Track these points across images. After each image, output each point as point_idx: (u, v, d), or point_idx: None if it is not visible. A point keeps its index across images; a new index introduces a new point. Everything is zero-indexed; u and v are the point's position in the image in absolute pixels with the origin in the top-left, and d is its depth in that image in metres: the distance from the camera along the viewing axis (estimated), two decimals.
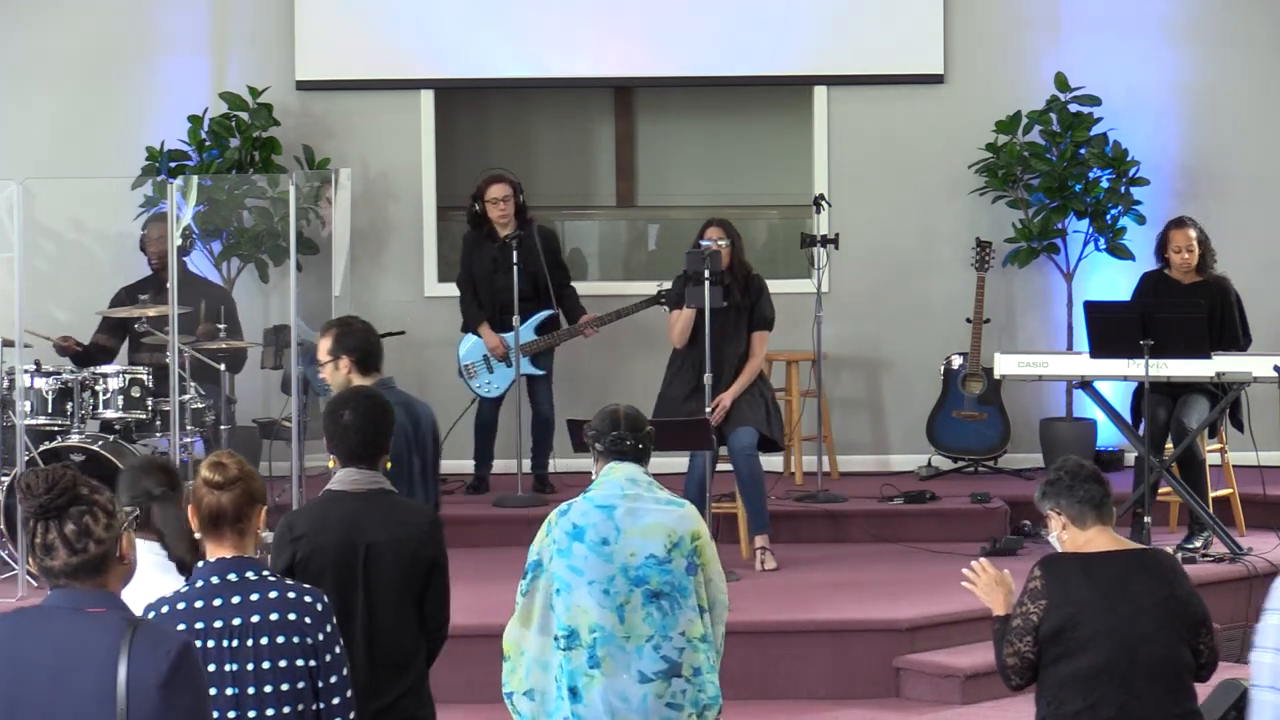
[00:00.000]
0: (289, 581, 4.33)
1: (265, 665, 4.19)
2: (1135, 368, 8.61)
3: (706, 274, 8.53)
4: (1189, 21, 10.94)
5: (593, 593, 5.27)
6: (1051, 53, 10.87)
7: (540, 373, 9.92)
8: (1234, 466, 9.53)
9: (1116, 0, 10.92)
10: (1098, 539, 5.21)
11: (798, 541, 9.36)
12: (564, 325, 9.99)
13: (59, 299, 10.36)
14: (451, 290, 10.34)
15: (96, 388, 8.91)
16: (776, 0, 10.86)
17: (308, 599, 4.27)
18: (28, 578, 8.04)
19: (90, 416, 8.91)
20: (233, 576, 4.26)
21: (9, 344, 8.53)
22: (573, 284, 10.16)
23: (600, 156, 11.57)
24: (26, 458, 8.28)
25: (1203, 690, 5.43)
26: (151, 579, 4.42)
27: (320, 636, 4.25)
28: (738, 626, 7.63)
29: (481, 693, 7.35)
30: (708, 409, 8.49)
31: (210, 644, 4.21)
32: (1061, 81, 10.62)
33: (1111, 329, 8.65)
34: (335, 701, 4.27)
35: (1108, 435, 10.51)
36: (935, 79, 10.94)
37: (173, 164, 10.51)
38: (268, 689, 4.19)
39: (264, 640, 4.20)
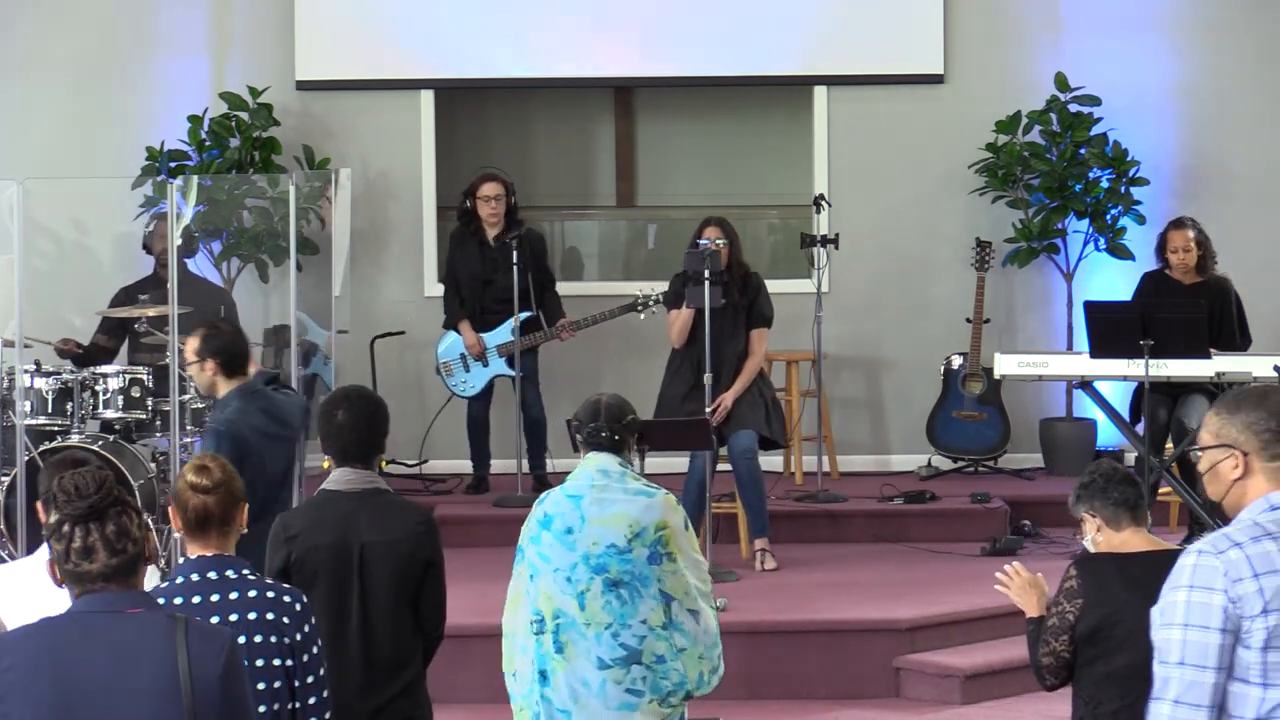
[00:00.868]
0: (269, 581, 4.33)
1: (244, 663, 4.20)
2: (1135, 368, 8.61)
3: (706, 274, 8.53)
4: (1189, 21, 10.94)
5: (557, 580, 5.38)
6: (1051, 53, 10.87)
7: (520, 373, 9.86)
8: None
9: (1116, 0, 10.92)
10: (1133, 540, 5.21)
11: (798, 541, 9.35)
12: (543, 328, 9.96)
13: (59, 299, 10.36)
14: None
15: (96, 388, 8.91)
16: (776, 0, 10.86)
17: (286, 598, 4.28)
18: None
19: (90, 416, 8.91)
20: (213, 574, 4.27)
21: (9, 344, 8.53)
22: (563, 286, 10.16)
23: (600, 156, 11.57)
24: (26, 458, 8.27)
25: None
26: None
27: (298, 636, 4.26)
28: (738, 626, 7.65)
29: (481, 693, 7.35)
30: (707, 409, 8.48)
31: None
32: (1061, 81, 10.62)
33: (1111, 329, 8.64)
34: (312, 701, 4.28)
35: (1108, 435, 10.51)
36: (935, 79, 10.95)
37: (173, 164, 10.51)
38: None
39: (242, 639, 4.20)
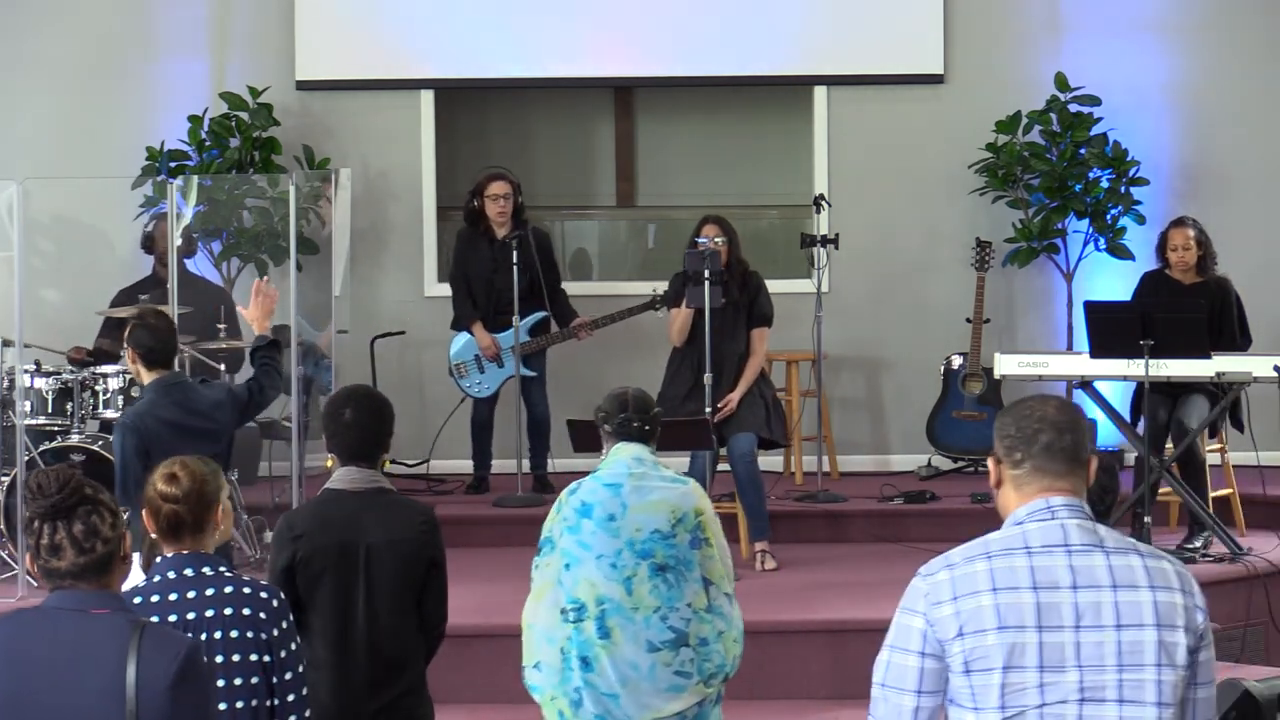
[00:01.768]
0: (245, 577, 4.34)
1: (219, 659, 4.20)
2: (1135, 368, 8.60)
3: (706, 274, 8.54)
4: (1189, 21, 10.94)
5: (600, 566, 5.52)
6: (1051, 53, 10.88)
7: (533, 374, 9.90)
8: (1234, 466, 9.53)
9: (1116, 0, 10.92)
10: None
11: (798, 541, 9.35)
12: (555, 327, 9.96)
13: (59, 299, 10.36)
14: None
15: (96, 388, 8.91)
16: (776, 0, 10.87)
17: (263, 595, 4.29)
18: (27, 578, 8.04)
19: (90, 416, 8.91)
20: (189, 571, 4.28)
21: (9, 344, 8.53)
22: (564, 286, 10.16)
23: (600, 156, 11.57)
24: (26, 458, 8.27)
25: None
26: None
27: (275, 632, 4.26)
28: None
29: (482, 693, 7.36)
30: (707, 408, 8.48)
31: None
32: (1061, 81, 10.62)
33: (1111, 329, 8.64)
34: (290, 698, 4.28)
35: (1108, 435, 10.51)
36: (935, 79, 10.95)
37: (173, 164, 10.51)
38: (221, 683, 4.19)
39: (218, 634, 4.21)
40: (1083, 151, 10.55)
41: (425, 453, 10.46)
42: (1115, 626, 3.43)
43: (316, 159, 10.63)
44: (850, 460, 10.74)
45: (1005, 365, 9.04)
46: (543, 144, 11.57)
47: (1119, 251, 10.55)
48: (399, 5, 10.86)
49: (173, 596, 4.24)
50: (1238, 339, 9.18)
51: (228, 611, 4.23)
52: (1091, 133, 10.57)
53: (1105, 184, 10.56)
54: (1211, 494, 9.12)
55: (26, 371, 8.59)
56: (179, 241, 9.00)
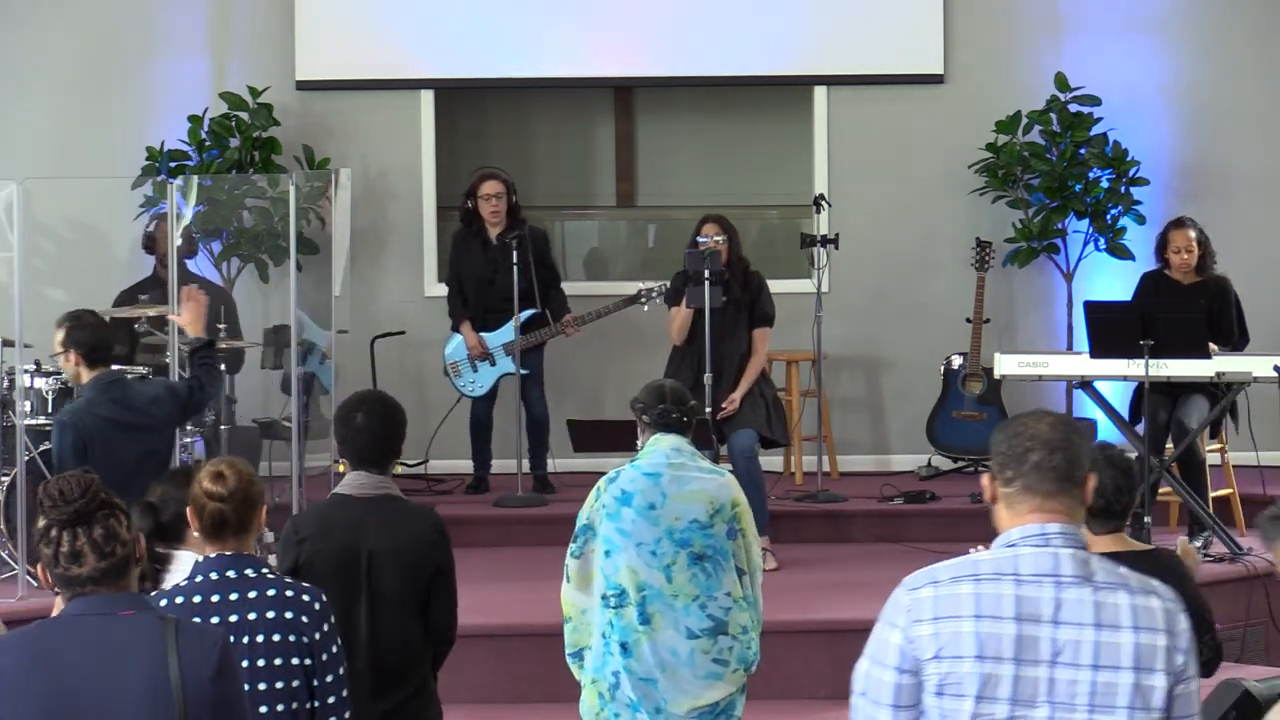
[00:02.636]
0: (287, 580, 4.34)
1: (261, 663, 4.20)
2: (1135, 368, 8.60)
3: (706, 274, 8.54)
4: (1189, 22, 10.94)
5: (641, 554, 5.60)
6: (1051, 53, 10.87)
7: (525, 372, 9.87)
8: (1234, 466, 9.53)
9: (1116, 0, 10.92)
10: (1099, 543, 5.18)
11: (798, 541, 9.35)
12: (549, 324, 9.96)
13: (59, 299, 10.35)
14: None
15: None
16: (776, 0, 10.87)
17: (305, 597, 4.28)
18: (27, 578, 8.03)
19: None
20: (231, 573, 4.27)
21: (9, 344, 8.52)
22: (564, 285, 10.16)
23: (600, 156, 11.57)
24: (26, 457, 8.27)
25: (1203, 689, 5.41)
26: None
27: (317, 635, 4.26)
28: None
29: (483, 693, 7.36)
30: (708, 408, 8.48)
31: None
32: (1061, 81, 10.62)
33: (1111, 329, 8.64)
34: (331, 700, 4.27)
35: (1107, 435, 10.50)
36: (935, 79, 10.95)
37: (173, 164, 10.51)
38: (262, 686, 4.19)
39: (260, 638, 4.20)
40: (1083, 151, 10.55)
41: (424, 453, 10.46)
42: (1092, 666, 3.36)
43: (316, 159, 10.63)
44: (850, 460, 10.74)
45: (1005, 365, 9.04)
46: (543, 144, 11.57)
47: (1119, 251, 10.55)
48: (399, 5, 10.85)
49: (215, 598, 4.24)
50: (1235, 339, 9.18)
51: (270, 614, 4.23)
52: (1091, 133, 10.57)
53: (1105, 184, 10.56)
54: (1211, 494, 9.12)
55: (26, 371, 8.58)
56: (179, 241, 8.99)
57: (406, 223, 11.02)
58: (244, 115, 10.59)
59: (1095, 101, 10.60)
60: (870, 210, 10.90)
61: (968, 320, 10.53)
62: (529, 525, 9.48)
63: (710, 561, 5.64)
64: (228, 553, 4.31)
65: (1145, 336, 8.50)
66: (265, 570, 4.31)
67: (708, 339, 8.54)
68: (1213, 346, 8.74)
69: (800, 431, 10.42)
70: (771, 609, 7.99)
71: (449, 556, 5.24)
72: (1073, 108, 10.61)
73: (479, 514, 9.65)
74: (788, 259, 10.93)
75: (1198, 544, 8.87)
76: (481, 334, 9.94)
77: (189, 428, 8.98)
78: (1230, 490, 9.45)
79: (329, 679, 4.27)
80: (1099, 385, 9.05)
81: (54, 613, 3.75)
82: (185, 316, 7.38)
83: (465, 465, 10.26)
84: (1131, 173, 10.58)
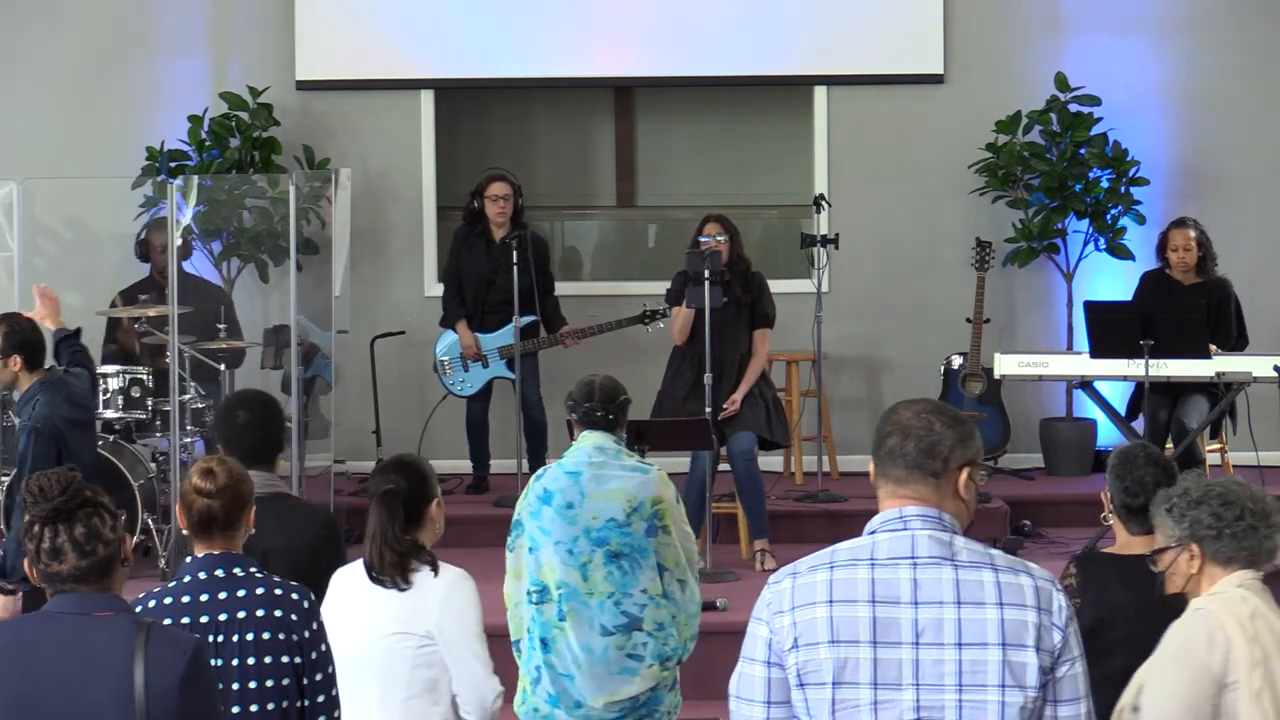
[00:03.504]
0: (276, 579, 4.33)
1: (250, 661, 4.19)
2: (1135, 368, 8.61)
3: (707, 274, 8.54)
4: (1189, 22, 10.94)
5: (558, 552, 5.65)
6: (1051, 53, 10.87)
7: (517, 376, 9.84)
8: (1234, 466, 9.53)
9: (1116, 0, 10.92)
10: (1136, 543, 5.16)
11: (798, 541, 9.33)
12: (543, 332, 9.94)
13: (59, 299, 10.35)
14: None
15: (96, 388, 8.90)
16: (776, 0, 10.87)
17: (294, 596, 4.28)
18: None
19: None
20: (220, 572, 4.27)
21: None
22: (563, 286, 10.15)
23: (600, 156, 11.57)
24: None
25: None
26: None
27: (306, 634, 4.26)
28: (738, 626, 7.60)
29: None
30: (708, 408, 8.48)
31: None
32: (1061, 81, 10.62)
33: (1111, 329, 8.65)
34: (320, 699, 4.28)
35: (1108, 435, 10.51)
36: (935, 79, 10.95)
37: (173, 164, 10.51)
38: (252, 685, 4.19)
39: (250, 636, 4.20)
40: (1083, 151, 10.55)
41: (425, 453, 10.45)
42: (956, 644, 3.28)
43: (316, 159, 10.63)
44: (850, 460, 10.72)
45: (1005, 365, 9.04)
46: (543, 144, 11.57)
47: (1119, 251, 10.55)
48: (399, 5, 10.85)
49: (203, 597, 4.23)
50: (1234, 339, 9.19)
51: (259, 613, 4.22)
52: (1091, 133, 10.57)
53: (1105, 184, 10.56)
54: None
55: None
56: (178, 242, 8.99)
57: (406, 223, 11.02)
58: (244, 115, 10.59)
59: (1095, 101, 10.60)
60: (870, 210, 10.90)
61: (968, 320, 10.53)
62: None
63: (627, 559, 5.65)
64: (215, 552, 4.31)
65: (1145, 336, 8.51)
66: (254, 569, 4.30)
67: (708, 339, 8.54)
68: (1212, 347, 8.74)
69: (800, 431, 10.42)
70: None
71: (341, 553, 5.23)
72: (1073, 108, 10.61)
73: (479, 514, 9.63)
74: (788, 259, 10.94)
75: None
76: (477, 334, 9.93)
77: (189, 427, 8.99)
78: None
79: (318, 677, 4.27)
80: (1099, 385, 9.05)
81: None
82: (40, 312, 7.44)
83: (465, 465, 10.26)
84: (1131, 173, 10.58)
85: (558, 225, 11.60)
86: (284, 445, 5.33)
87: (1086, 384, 8.99)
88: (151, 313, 9.25)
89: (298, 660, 4.25)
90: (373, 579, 4.86)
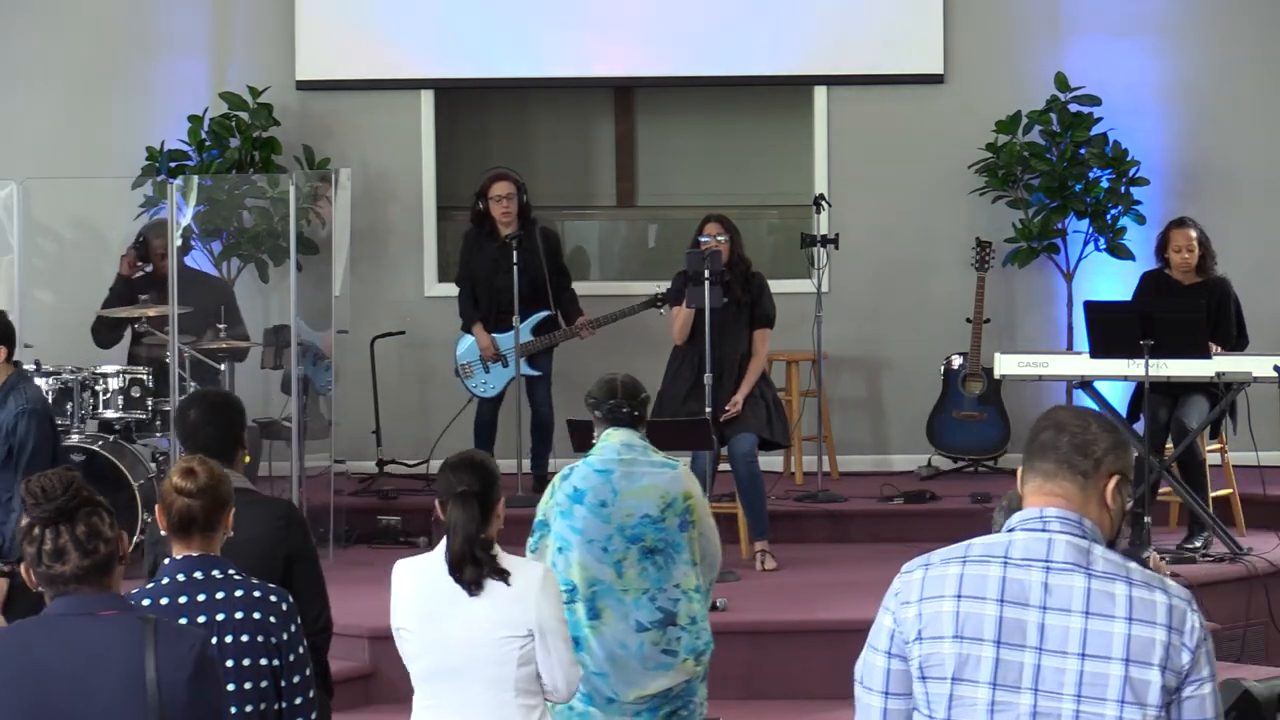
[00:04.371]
0: (255, 581, 4.33)
1: (230, 663, 4.20)
2: (1135, 368, 8.61)
3: (707, 274, 8.54)
4: (1189, 21, 10.93)
5: (592, 550, 5.69)
6: (1051, 53, 10.87)
7: (537, 374, 9.89)
8: (1234, 466, 9.52)
9: (1116, 0, 10.92)
10: None
11: (798, 541, 9.36)
12: (561, 327, 9.95)
13: (59, 299, 10.36)
14: (451, 290, 10.32)
15: (96, 388, 8.91)
16: (776, 0, 10.86)
17: (273, 598, 4.28)
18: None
19: (90, 416, 8.91)
20: (199, 574, 4.27)
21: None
22: (573, 286, 10.13)
23: (600, 156, 11.57)
24: None
25: None
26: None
27: (285, 635, 4.26)
28: (738, 626, 7.65)
29: None
30: (708, 408, 8.48)
31: None
32: (1061, 81, 10.62)
33: (1111, 329, 8.65)
34: (298, 701, 4.28)
35: None
36: (935, 79, 10.94)
37: (173, 164, 10.51)
38: (231, 687, 4.19)
39: (229, 638, 4.20)
40: (1083, 151, 10.55)
41: (426, 453, 10.45)
42: (1080, 655, 3.22)
43: (316, 159, 10.63)
44: (850, 460, 10.73)
45: (1005, 365, 9.04)
46: (543, 144, 11.57)
47: (1119, 251, 10.55)
48: (399, 5, 10.85)
49: (182, 599, 4.23)
50: (1230, 340, 9.18)
51: (238, 615, 4.23)
52: (1091, 133, 10.57)
53: (1105, 184, 10.56)
54: (1211, 494, 9.12)
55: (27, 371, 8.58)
56: (178, 241, 8.99)
57: (406, 223, 11.02)
58: (244, 115, 10.59)
59: (1095, 101, 10.60)
60: (870, 210, 10.89)
61: (968, 320, 10.53)
62: (529, 525, 9.45)
63: (662, 555, 5.71)
64: (194, 554, 4.30)
65: (1145, 336, 8.51)
66: (233, 571, 4.29)
67: (708, 339, 8.54)
68: (1213, 347, 8.74)
69: (800, 431, 10.42)
70: (771, 609, 8.03)
71: (302, 544, 5.16)
72: (1073, 108, 10.61)
73: None
74: (788, 259, 10.94)
75: (1198, 544, 8.89)
76: (494, 335, 9.92)
77: None
78: (1230, 490, 9.45)
79: (296, 679, 4.27)
80: (1099, 385, 9.05)
81: None
82: None
83: None
84: (1131, 173, 10.58)
85: (558, 225, 11.58)
86: (244, 443, 5.26)
87: (1086, 384, 8.99)
88: (152, 313, 9.24)
89: (276, 662, 4.25)
90: (456, 580, 4.73)
